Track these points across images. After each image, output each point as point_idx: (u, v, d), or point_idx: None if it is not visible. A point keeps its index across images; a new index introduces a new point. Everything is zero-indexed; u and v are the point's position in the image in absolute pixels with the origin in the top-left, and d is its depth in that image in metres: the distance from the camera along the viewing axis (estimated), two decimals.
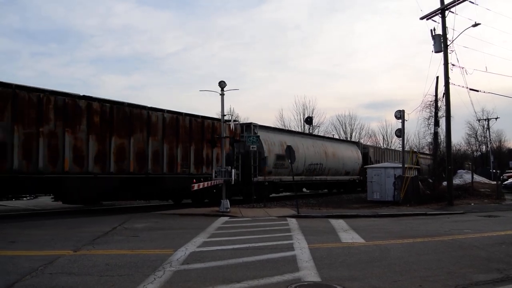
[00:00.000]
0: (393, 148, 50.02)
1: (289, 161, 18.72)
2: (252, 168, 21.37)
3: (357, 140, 42.78)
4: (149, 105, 17.82)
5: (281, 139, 25.30)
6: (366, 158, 34.95)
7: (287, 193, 27.38)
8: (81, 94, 15.56)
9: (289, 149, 18.58)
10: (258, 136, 19.74)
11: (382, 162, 33.80)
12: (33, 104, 13.86)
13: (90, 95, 15.82)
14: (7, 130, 13.22)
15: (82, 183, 15.19)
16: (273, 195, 25.60)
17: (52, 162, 14.21)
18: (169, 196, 20.28)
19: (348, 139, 56.47)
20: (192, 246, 8.96)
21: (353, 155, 34.07)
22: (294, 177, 21.52)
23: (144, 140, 17.29)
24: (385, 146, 56.21)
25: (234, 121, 20.43)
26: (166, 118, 18.26)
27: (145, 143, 17.31)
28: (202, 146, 19.72)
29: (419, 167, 27.79)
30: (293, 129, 40.18)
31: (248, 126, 23.22)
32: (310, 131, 43.79)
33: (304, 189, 31.17)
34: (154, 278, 6.24)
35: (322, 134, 43.46)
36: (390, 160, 35.56)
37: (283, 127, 45.32)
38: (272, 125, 26.12)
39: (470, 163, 45.84)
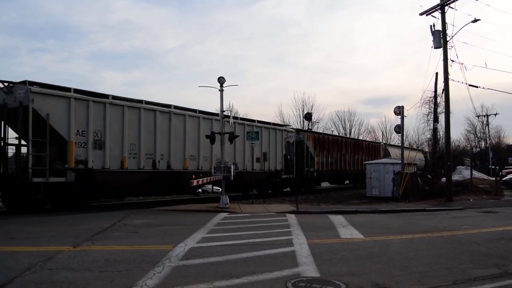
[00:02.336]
0: (392, 143, 50.02)
1: (289, 157, 18.74)
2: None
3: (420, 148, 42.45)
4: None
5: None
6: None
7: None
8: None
9: (288, 145, 18.60)
10: (257, 132, 19.83)
11: None
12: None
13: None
14: None
15: None
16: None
17: None
18: None
19: (347, 135, 56.50)
20: (191, 242, 8.97)
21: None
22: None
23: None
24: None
25: (234, 117, 20.27)
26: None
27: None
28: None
29: (416, 163, 27.82)
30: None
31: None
32: (310, 127, 43.77)
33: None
34: (154, 274, 6.25)
35: (321, 130, 43.56)
36: None
37: (283, 123, 45.72)
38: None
39: (469, 159, 45.87)
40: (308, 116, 45.16)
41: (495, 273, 6.64)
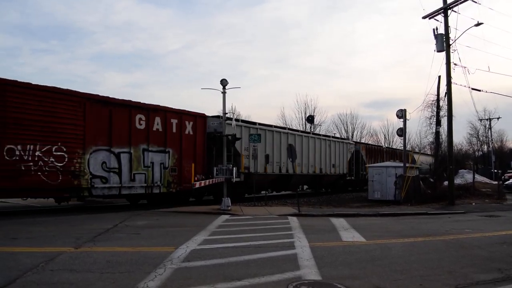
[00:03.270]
0: (394, 147, 49.97)
1: (290, 159, 18.76)
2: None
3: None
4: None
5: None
6: None
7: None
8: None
9: (290, 147, 18.61)
10: (260, 135, 20.01)
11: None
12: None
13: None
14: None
15: None
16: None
17: None
18: None
19: (350, 138, 56.46)
20: (193, 244, 8.97)
21: None
22: None
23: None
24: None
25: (236, 119, 20.84)
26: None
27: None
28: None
29: (419, 166, 27.80)
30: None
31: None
32: (312, 130, 43.79)
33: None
34: (155, 276, 6.25)
35: (323, 133, 43.75)
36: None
37: (285, 126, 45.98)
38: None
39: (471, 163, 45.85)
40: (310, 119, 45.17)
41: (497, 278, 6.62)
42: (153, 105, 17.66)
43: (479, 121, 62.68)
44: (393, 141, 62.11)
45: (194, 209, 17.12)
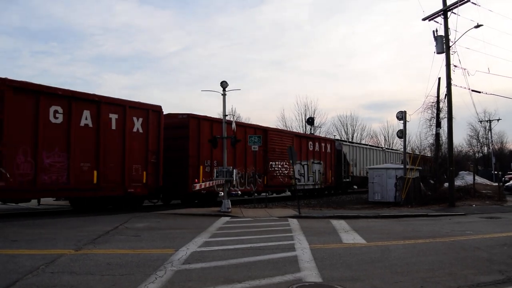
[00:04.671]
0: (395, 148, 50.00)
1: (291, 161, 18.77)
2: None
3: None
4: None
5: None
6: None
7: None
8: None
9: (291, 150, 18.62)
10: (260, 137, 19.93)
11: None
12: None
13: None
14: None
15: None
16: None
17: None
18: None
19: (350, 140, 56.49)
20: (193, 246, 8.96)
21: None
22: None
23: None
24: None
25: (236, 122, 20.83)
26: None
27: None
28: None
29: (421, 168, 27.82)
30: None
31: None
32: (312, 132, 43.81)
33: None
34: (156, 278, 6.25)
35: (323, 135, 43.97)
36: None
37: (286, 128, 46.29)
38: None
39: (472, 165, 45.84)
40: (310, 121, 45.10)
41: (498, 279, 6.61)
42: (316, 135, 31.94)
43: (479, 123, 62.84)
44: (393, 142, 62.20)
45: (194, 211, 17.10)
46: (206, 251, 8.55)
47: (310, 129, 46.13)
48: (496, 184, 29.95)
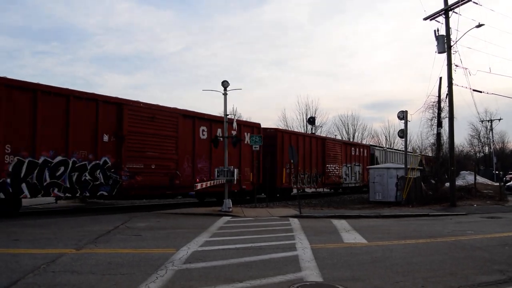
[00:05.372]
0: (396, 148, 50.01)
1: (292, 160, 18.79)
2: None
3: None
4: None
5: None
6: None
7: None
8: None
9: (292, 149, 18.64)
10: (261, 136, 19.99)
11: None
12: None
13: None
14: None
15: None
16: None
17: None
18: None
19: (351, 140, 56.50)
20: (194, 246, 8.97)
21: None
22: None
23: None
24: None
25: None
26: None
27: None
28: None
29: (422, 167, 27.83)
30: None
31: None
32: (313, 131, 43.82)
33: None
34: (156, 277, 6.25)
35: (324, 135, 44.03)
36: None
37: (286, 128, 46.33)
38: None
39: (474, 164, 45.89)
40: (311, 120, 45.06)
41: (499, 279, 6.60)
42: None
43: (480, 123, 62.82)
44: (394, 142, 62.16)
45: (195, 210, 17.11)
46: (207, 250, 8.55)
47: (311, 128, 46.15)
48: (497, 184, 29.90)
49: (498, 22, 54.05)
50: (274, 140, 24.34)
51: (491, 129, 59.50)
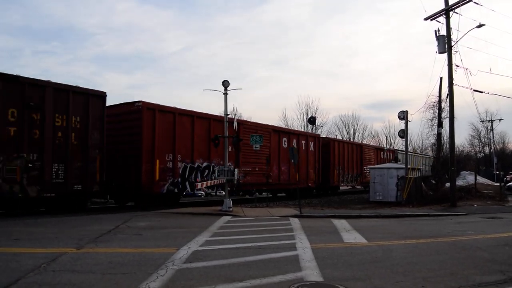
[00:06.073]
0: (396, 148, 50.00)
1: (292, 161, 18.79)
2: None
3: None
4: None
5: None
6: None
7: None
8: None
9: (292, 150, 18.65)
10: (261, 136, 20.03)
11: None
12: None
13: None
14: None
15: None
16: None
17: None
18: None
19: (351, 140, 56.48)
20: (194, 245, 8.97)
21: None
22: None
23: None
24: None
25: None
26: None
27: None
28: None
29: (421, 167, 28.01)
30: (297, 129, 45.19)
31: None
32: (313, 131, 43.85)
33: None
34: (157, 277, 6.26)
35: (325, 135, 44.07)
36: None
37: (286, 127, 46.31)
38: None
39: (474, 164, 45.97)
40: (312, 120, 45.05)
41: (500, 279, 6.60)
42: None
43: (481, 123, 62.79)
44: (394, 142, 62.18)
45: (196, 210, 17.13)
46: (208, 250, 8.56)
47: (312, 128, 46.16)
48: (498, 184, 29.89)
49: (498, 22, 54.23)
50: (328, 147, 30.44)
51: (492, 130, 59.50)
